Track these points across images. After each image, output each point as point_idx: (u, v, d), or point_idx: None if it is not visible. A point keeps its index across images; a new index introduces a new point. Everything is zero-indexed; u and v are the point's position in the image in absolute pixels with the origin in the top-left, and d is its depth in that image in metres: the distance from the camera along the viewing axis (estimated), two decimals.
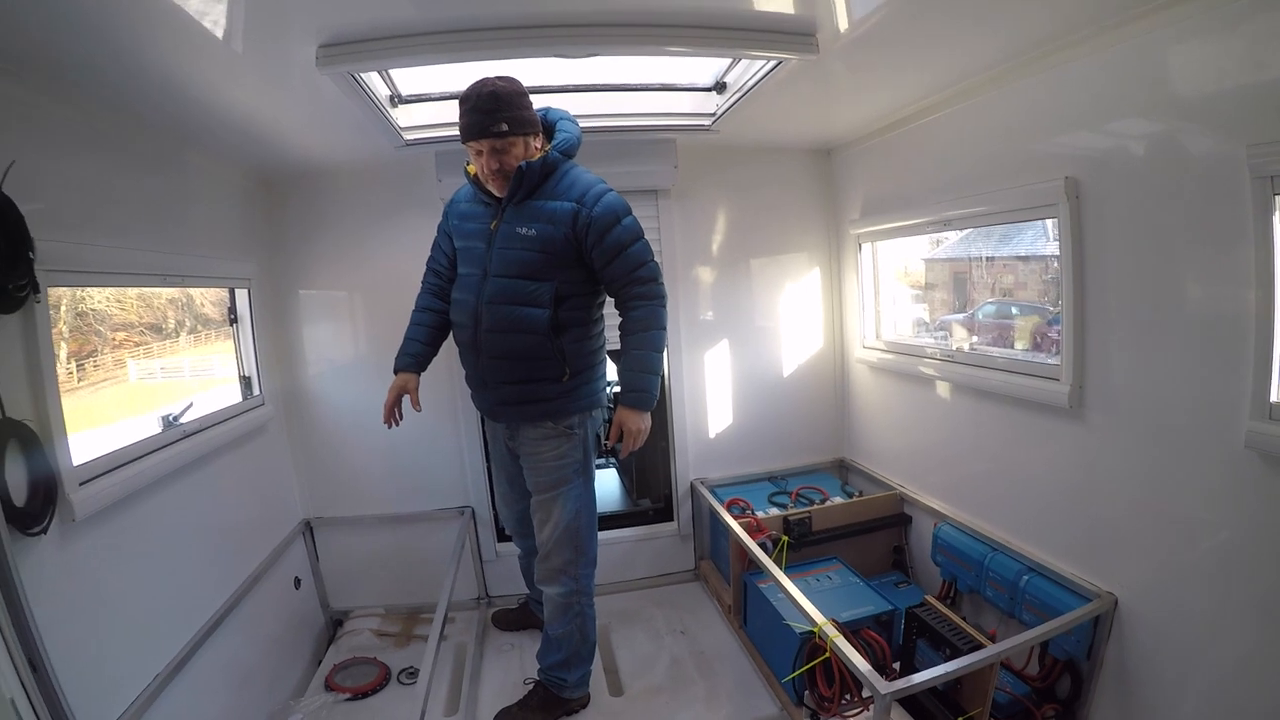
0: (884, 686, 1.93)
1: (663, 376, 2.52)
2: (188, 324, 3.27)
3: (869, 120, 3.31)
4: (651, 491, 4.22)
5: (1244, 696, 1.89)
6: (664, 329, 2.55)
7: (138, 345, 2.89)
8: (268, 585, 3.15)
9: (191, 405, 2.76)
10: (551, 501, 2.65)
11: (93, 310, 2.61)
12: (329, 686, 3.09)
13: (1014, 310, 3.11)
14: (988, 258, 3.28)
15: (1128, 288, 2.17)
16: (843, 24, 2.10)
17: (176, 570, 2.51)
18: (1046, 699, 2.45)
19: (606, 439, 2.65)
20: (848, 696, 2.44)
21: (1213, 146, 1.85)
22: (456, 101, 2.38)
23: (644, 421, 2.52)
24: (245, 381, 3.33)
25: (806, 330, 4.06)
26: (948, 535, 2.98)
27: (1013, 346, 3.06)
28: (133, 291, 2.80)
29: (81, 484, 2.03)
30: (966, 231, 3.13)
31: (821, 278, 4.03)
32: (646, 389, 2.51)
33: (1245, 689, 1.89)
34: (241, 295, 3.29)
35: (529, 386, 2.55)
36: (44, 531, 1.80)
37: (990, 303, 3.30)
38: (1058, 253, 2.42)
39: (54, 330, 2.02)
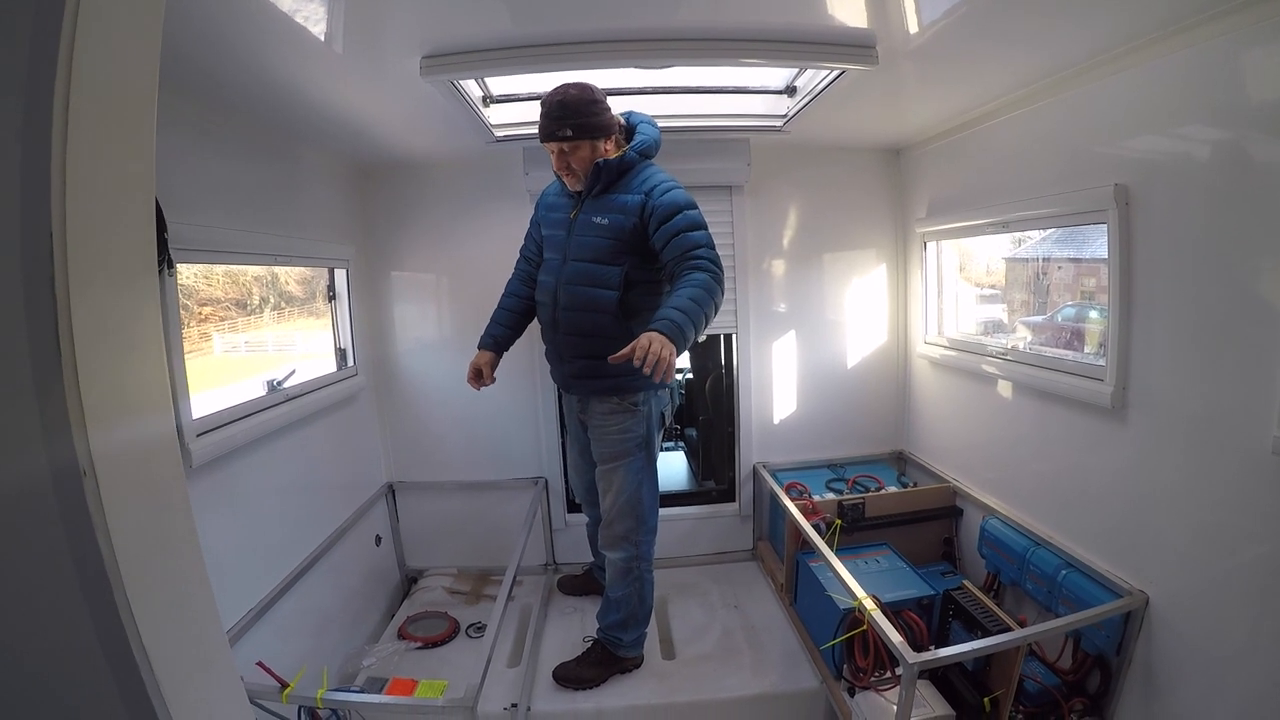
0: (912, 657, 2.04)
1: (696, 333, 2.34)
2: (272, 300, 3.43)
3: (935, 122, 3.34)
4: (716, 473, 4.34)
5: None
6: (714, 292, 2.43)
7: (223, 320, 3.04)
8: (351, 541, 3.42)
9: (294, 372, 3.03)
10: (613, 472, 2.84)
11: (181, 285, 2.62)
12: (401, 635, 3.32)
13: (1093, 313, 3.03)
14: (1071, 259, 3.25)
15: (1172, 293, 2.17)
16: (901, 36, 2.19)
17: (270, 520, 2.77)
18: (1076, 692, 2.47)
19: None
20: (882, 671, 2.53)
21: (1254, 155, 1.87)
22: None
23: (662, 344, 2.20)
24: (340, 354, 3.59)
25: (871, 324, 4.09)
26: (993, 528, 3.03)
27: (1083, 350, 2.99)
28: (219, 267, 2.92)
29: (199, 435, 2.31)
30: (1050, 231, 3.13)
31: (888, 274, 4.06)
32: (674, 320, 2.27)
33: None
34: (340, 275, 3.55)
35: (599, 362, 2.68)
36: None
37: (1070, 305, 3.26)
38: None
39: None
